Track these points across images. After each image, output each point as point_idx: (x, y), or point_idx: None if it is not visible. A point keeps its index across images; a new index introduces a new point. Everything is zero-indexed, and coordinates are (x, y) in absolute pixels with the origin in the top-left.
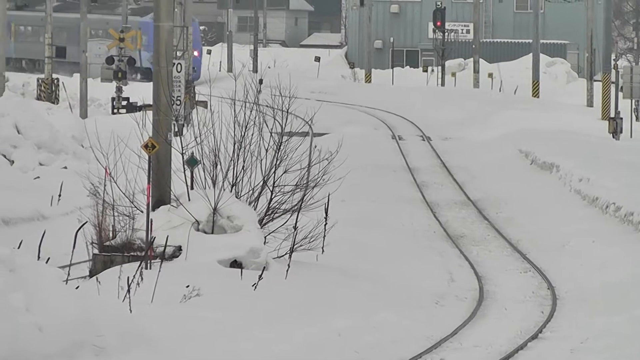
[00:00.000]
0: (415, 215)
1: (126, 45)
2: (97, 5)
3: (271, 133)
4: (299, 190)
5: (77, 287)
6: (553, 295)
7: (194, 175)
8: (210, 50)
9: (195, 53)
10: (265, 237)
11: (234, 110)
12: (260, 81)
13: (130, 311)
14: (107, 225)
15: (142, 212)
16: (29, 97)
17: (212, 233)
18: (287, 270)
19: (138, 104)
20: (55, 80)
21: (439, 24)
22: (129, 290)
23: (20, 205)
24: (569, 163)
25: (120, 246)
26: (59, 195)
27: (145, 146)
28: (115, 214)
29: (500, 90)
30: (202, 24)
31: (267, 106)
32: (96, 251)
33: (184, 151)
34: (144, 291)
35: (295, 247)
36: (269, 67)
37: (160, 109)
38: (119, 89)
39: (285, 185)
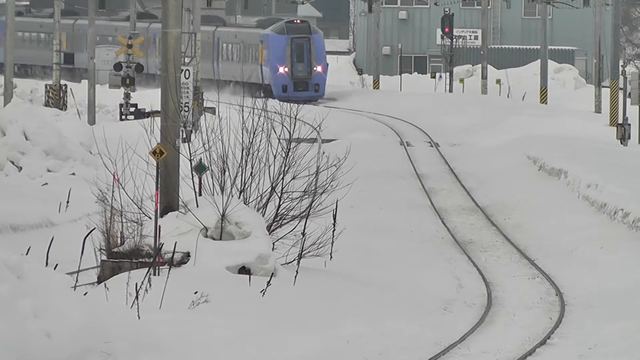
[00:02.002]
0: (424, 222)
1: (134, 52)
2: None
3: (279, 139)
4: (307, 196)
5: (85, 294)
6: (561, 301)
7: (202, 181)
8: None
9: (319, 68)
10: (273, 244)
11: (242, 117)
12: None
13: (139, 317)
14: (115, 231)
15: (150, 218)
16: (37, 104)
17: (221, 239)
18: (296, 277)
19: (146, 111)
20: (64, 87)
21: (447, 30)
22: (137, 297)
23: (28, 212)
24: (577, 169)
25: (128, 252)
26: (67, 202)
27: (154, 152)
28: (124, 220)
29: (508, 97)
30: None
31: (275, 112)
32: (104, 257)
33: (192, 157)
34: (152, 297)
35: (303, 253)
36: None
37: (168, 116)
38: (127, 96)
39: (293, 192)
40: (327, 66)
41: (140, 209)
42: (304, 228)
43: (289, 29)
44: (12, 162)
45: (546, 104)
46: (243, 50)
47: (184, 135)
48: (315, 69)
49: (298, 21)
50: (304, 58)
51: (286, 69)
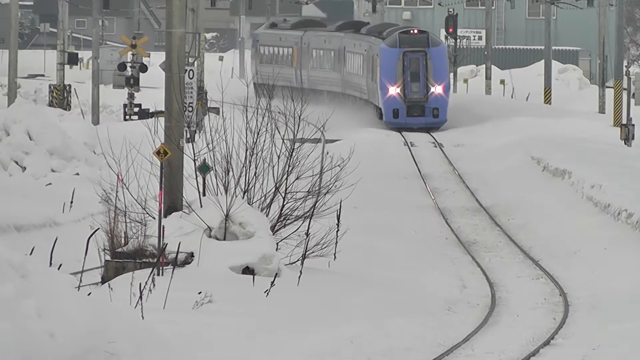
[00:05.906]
0: (427, 222)
1: (138, 52)
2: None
3: (283, 139)
4: (311, 196)
5: (89, 294)
6: (565, 301)
7: (206, 181)
8: (223, 57)
9: (439, 89)
10: (277, 244)
11: (246, 117)
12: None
13: (143, 317)
14: (119, 231)
15: (154, 218)
16: (41, 104)
17: (224, 239)
18: (299, 277)
19: (150, 111)
20: (67, 87)
21: (451, 30)
22: (141, 297)
23: (32, 212)
24: (581, 170)
25: (132, 253)
26: (71, 202)
27: (157, 153)
28: (127, 220)
29: (512, 97)
30: (214, 30)
31: (279, 112)
32: (108, 258)
33: (196, 158)
34: (156, 298)
35: (307, 253)
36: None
37: (172, 116)
38: (131, 96)
39: (297, 192)
40: (449, 86)
41: (144, 209)
42: (308, 228)
43: (402, 40)
44: (16, 162)
45: (550, 104)
46: (367, 65)
47: (188, 136)
48: (433, 89)
49: (415, 31)
50: (420, 76)
51: (398, 90)
